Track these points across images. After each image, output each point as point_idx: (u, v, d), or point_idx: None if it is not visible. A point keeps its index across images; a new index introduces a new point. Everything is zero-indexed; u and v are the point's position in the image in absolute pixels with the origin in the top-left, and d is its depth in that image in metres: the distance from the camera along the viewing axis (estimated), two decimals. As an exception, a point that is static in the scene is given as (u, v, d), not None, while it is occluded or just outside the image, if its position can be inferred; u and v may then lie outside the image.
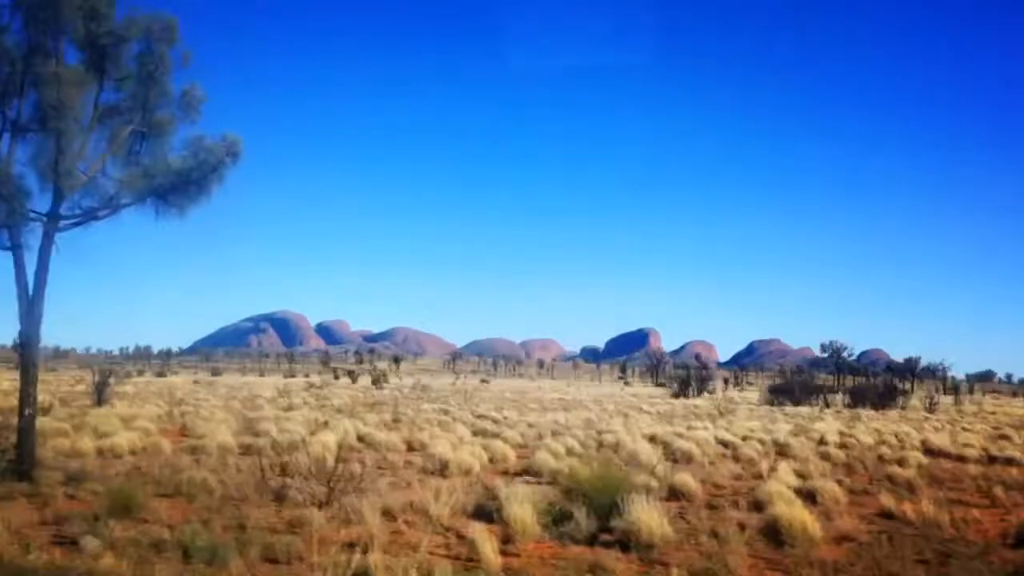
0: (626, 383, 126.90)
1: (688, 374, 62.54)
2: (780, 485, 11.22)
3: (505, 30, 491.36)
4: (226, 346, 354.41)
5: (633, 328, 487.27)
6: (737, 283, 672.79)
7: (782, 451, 18.03)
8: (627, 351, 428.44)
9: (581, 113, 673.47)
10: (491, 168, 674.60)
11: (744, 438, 20.37)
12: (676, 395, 56.70)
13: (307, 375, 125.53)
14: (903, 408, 49.34)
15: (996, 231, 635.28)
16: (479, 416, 28.13)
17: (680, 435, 20.03)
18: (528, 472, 13.77)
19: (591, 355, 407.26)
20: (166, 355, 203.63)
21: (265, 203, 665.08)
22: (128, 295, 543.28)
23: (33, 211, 11.45)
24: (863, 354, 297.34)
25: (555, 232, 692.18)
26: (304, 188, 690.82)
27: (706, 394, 54.33)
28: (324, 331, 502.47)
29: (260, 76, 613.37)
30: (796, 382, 62.87)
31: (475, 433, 20.60)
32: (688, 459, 16.12)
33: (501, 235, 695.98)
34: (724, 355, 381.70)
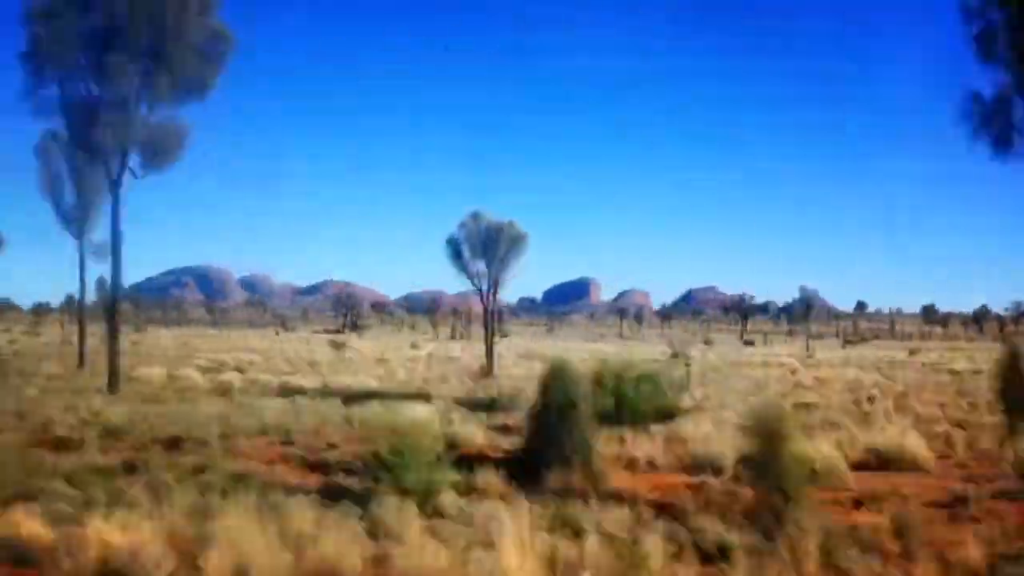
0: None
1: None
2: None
3: None
4: (146, 300, 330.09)
5: (574, 277, 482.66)
6: (675, 230, 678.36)
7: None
8: (567, 301, 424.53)
9: (518, 57, 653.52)
10: (422, 110, 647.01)
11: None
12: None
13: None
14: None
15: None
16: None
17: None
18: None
19: (528, 306, 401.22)
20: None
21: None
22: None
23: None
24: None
25: (495, 178, 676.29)
26: (225, 131, 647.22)
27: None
28: (249, 284, 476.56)
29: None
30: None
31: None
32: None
33: (438, 180, 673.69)
34: (662, 303, 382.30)
